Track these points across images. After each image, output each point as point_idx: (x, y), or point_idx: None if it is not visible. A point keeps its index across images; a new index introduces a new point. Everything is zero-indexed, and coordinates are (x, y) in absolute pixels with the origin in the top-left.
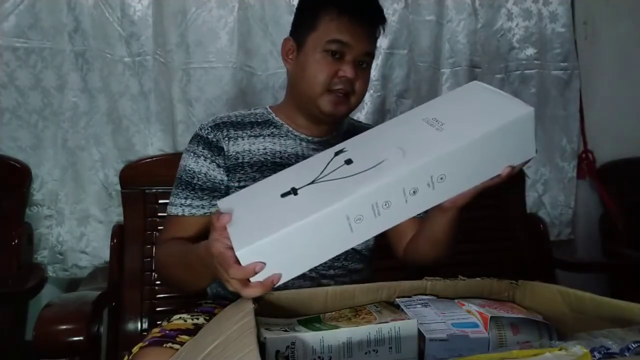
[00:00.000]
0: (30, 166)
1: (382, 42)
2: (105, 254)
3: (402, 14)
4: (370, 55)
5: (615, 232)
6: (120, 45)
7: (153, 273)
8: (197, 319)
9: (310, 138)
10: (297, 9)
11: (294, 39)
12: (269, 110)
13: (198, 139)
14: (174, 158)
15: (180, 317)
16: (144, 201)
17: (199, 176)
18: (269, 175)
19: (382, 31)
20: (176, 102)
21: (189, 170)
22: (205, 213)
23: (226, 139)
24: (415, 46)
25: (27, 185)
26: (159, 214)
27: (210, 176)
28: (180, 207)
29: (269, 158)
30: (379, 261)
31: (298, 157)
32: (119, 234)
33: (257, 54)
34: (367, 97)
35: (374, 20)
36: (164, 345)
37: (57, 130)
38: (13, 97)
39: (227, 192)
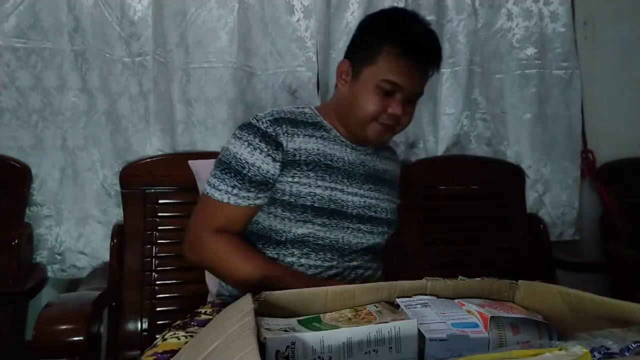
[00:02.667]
0: (30, 166)
1: None
2: (103, 255)
3: None
4: (420, 93)
5: (615, 232)
6: (120, 45)
7: (153, 273)
8: (192, 336)
9: (354, 145)
10: (358, 35)
11: (351, 64)
12: (316, 112)
13: (255, 130)
14: (173, 158)
15: (174, 335)
16: (144, 201)
17: (252, 168)
18: (322, 175)
19: (436, 71)
20: (176, 102)
21: (241, 159)
22: (249, 204)
23: (285, 134)
24: None
25: (28, 185)
26: (159, 214)
27: (262, 170)
28: (227, 194)
29: (321, 159)
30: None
31: (345, 162)
32: (119, 234)
33: (257, 54)
34: None
35: (433, 63)
36: None
37: (56, 131)
38: (13, 97)
39: (274, 185)
